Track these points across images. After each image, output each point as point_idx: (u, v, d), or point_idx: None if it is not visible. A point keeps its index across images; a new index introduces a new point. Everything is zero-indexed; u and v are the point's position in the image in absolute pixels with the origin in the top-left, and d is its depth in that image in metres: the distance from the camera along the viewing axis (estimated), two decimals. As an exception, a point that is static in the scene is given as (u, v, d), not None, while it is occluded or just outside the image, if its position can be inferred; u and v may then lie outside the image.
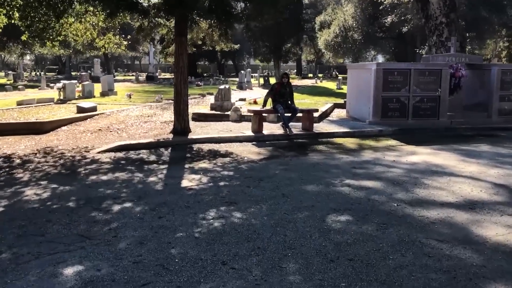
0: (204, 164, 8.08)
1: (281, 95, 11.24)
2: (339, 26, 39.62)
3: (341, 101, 19.49)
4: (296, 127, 11.65)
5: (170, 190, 6.34)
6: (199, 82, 33.16)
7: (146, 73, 45.72)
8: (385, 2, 25.98)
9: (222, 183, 6.69)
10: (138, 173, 7.38)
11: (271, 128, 11.84)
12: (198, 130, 11.42)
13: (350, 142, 10.76)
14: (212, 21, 10.50)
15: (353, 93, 14.51)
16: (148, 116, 14.41)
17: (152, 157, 8.69)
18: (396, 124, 12.71)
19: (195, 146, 9.77)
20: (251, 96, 22.67)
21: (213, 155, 8.99)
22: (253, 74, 39.29)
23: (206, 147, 9.74)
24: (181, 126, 10.63)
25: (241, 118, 13.52)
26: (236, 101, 18.33)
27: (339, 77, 33.87)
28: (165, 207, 5.50)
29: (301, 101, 19.12)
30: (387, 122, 12.81)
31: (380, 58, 55.93)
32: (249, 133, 10.98)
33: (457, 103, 13.90)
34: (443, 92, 13.04)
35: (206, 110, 14.85)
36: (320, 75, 59.59)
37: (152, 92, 26.44)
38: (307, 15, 48.73)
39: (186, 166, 7.98)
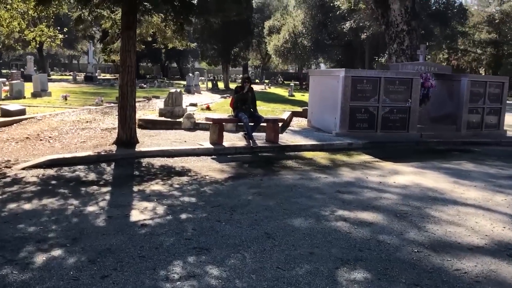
0: (157, 186, 6.56)
1: (242, 101, 9.88)
2: (288, 31, 38.94)
3: (298, 109, 18.42)
4: (259, 138, 10.33)
5: (116, 227, 4.79)
6: (143, 84, 31.17)
7: (85, 73, 42.85)
8: (342, 8, 25.34)
9: (184, 216, 5.22)
10: (73, 200, 5.75)
11: (231, 139, 10.44)
12: (146, 141, 9.82)
13: (320, 157, 9.57)
14: (167, 14, 8.97)
15: (315, 102, 13.40)
16: (87, 121, 12.58)
17: (92, 176, 7.05)
18: (365, 136, 11.71)
19: (145, 161, 8.20)
20: (201, 100, 21.16)
21: (168, 172, 7.47)
22: (201, 78, 37.65)
23: (158, 162, 8.19)
24: (126, 136, 9.01)
25: (195, 126, 12.03)
26: (187, 106, 16.77)
27: (291, 84, 32.97)
28: (110, 258, 3.97)
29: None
30: (355, 134, 11.78)
31: (323, 66, 55.94)
32: (207, 144, 9.52)
33: (424, 114, 13.11)
34: (414, 103, 12.19)
35: (154, 116, 13.21)
36: (266, 81, 58.90)
37: (91, 93, 24.25)
38: (255, 19, 47.77)
39: (135, 188, 6.42)
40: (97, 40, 58.04)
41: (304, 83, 43.84)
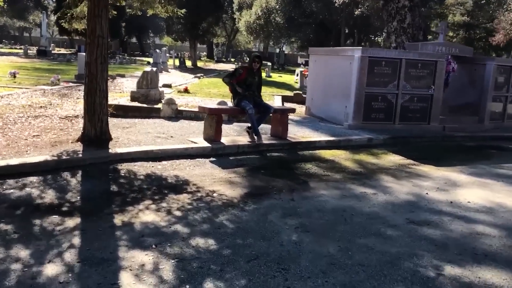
0: (149, 215, 4.42)
1: (247, 86, 7.75)
2: (261, 7, 36.53)
3: (286, 92, 16.38)
4: (262, 131, 8.27)
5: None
6: (103, 61, 28.41)
7: (37, 47, 39.09)
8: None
9: (210, 285, 3.14)
10: (20, 248, 3.56)
11: (227, 133, 8.31)
12: (121, 135, 7.56)
13: (343, 158, 7.63)
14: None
15: (318, 87, 11.39)
16: (41, 106, 10.10)
17: (50, 195, 4.81)
18: (381, 129, 9.84)
19: (123, 168, 5.98)
20: (173, 80, 18.76)
21: (158, 187, 5.33)
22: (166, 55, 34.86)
23: (141, 169, 6.00)
24: (96, 131, 6.73)
25: (177, 114, 9.80)
26: (159, 87, 14.41)
27: (268, 64, 30.76)
28: None
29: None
30: (371, 126, 9.89)
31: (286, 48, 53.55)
32: (202, 141, 7.37)
33: (443, 103, 11.36)
34: (437, 90, 10.39)
35: (125, 100, 10.85)
36: (232, 59, 56.39)
37: (45, 70, 21.34)
38: (223, -7, 45.01)
39: (117, 220, 4.26)
40: (51, 11, 53.70)
41: (281, 64, 41.77)
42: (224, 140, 7.61)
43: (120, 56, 36.49)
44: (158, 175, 5.81)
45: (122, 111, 9.77)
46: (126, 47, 59.39)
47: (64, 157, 5.91)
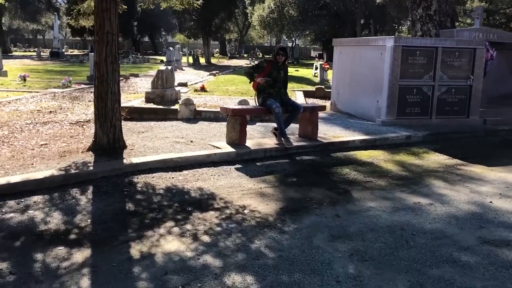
0: (172, 241, 3.71)
1: (273, 82, 7.00)
2: (274, 0, 35.67)
3: (307, 87, 15.58)
4: (289, 132, 7.53)
5: None
6: (116, 60, 27.82)
7: (50, 49, 38.77)
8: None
9: None
10: (15, 296, 2.87)
11: (250, 135, 7.56)
12: (136, 142, 6.87)
13: (382, 160, 6.85)
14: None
15: (344, 80, 10.58)
16: (50, 111, 9.48)
17: (55, 220, 4.12)
18: (417, 124, 9.04)
19: (140, 181, 5.28)
20: (188, 79, 18.08)
21: (180, 203, 4.61)
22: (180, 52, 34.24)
23: (160, 181, 5.30)
24: (108, 139, 6.05)
25: (195, 116, 9.09)
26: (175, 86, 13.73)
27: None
28: None
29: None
30: (406, 121, 9.08)
31: (288, 42, 52.14)
32: (225, 146, 6.64)
33: (481, 94, 10.45)
34: (476, 81, 9.51)
35: (139, 102, 10.17)
36: (245, 55, 55.60)
37: (57, 72, 20.82)
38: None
39: (134, 251, 3.55)
40: (63, 13, 53.45)
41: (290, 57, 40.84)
42: (249, 143, 6.87)
43: (133, 55, 35.96)
44: (179, 188, 5.10)
45: (137, 114, 9.09)
46: (139, 46, 59.04)
47: (72, 171, 5.23)
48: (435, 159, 7.07)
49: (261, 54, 57.78)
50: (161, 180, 5.32)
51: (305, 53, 62.46)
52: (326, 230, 4.06)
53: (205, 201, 4.72)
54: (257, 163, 6.35)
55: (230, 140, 6.81)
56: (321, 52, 55.42)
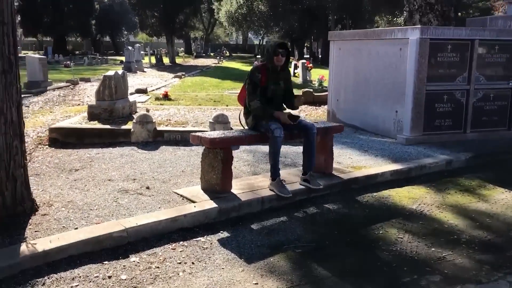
0: None
1: (269, 97, 4.64)
2: (242, -6, 33.22)
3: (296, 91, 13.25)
4: (288, 161, 5.21)
5: None
6: (68, 62, 24.44)
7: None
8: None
9: None
10: None
11: (233, 166, 5.20)
12: (61, 193, 4.38)
13: (432, 205, 4.65)
14: None
15: (346, 84, 8.34)
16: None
17: None
18: (449, 140, 6.93)
19: (47, 291, 2.84)
20: (149, 82, 15.52)
21: None
22: (141, 52, 31.44)
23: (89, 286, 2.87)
24: (4, 200, 3.57)
25: (155, 137, 6.64)
26: (131, 93, 11.21)
27: (257, 56, 27.46)
28: None
29: (236, 91, 12.51)
30: (435, 138, 6.94)
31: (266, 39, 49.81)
32: (199, 194, 4.25)
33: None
34: (520, 82, 7.43)
35: (79, 119, 7.61)
36: (212, 54, 53.01)
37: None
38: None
39: None
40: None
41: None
42: (236, 187, 4.50)
43: (90, 56, 32.87)
44: (121, 307, 2.69)
45: (75, 138, 6.58)
46: (100, 47, 55.53)
47: None
48: (504, 199, 4.88)
49: (228, 52, 55.26)
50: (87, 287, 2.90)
51: (274, 51, 60.14)
52: None
53: None
54: (253, 225, 4.00)
55: (207, 185, 4.42)
56: (290, 49, 53.34)
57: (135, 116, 7.10)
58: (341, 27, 37.92)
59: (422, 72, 6.70)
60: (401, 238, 3.86)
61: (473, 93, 7.14)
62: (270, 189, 4.51)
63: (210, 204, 4.05)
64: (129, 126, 6.85)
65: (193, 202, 4.13)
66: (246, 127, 4.84)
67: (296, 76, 18.02)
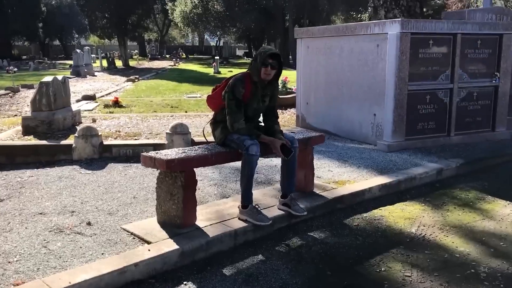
0: None
1: (253, 112, 3.80)
2: (197, -6, 32.20)
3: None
4: (262, 177, 4.40)
5: None
6: (10, 67, 22.62)
7: None
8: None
9: None
10: None
11: (197, 190, 4.32)
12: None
13: (434, 225, 3.98)
14: None
15: (317, 86, 7.59)
16: None
17: None
18: (433, 145, 6.33)
19: None
20: (99, 87, 14.35)
21: None
22: (92, 55, 29.86)
23: None
24: None
25: (102, 153, 5.66)
26: (78, 100, 10.12)
27: (216, 58, 26.38)
28: None
29: (195, 95, 11.56)
30: (418, 143, 6.31)
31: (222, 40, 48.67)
32: (155, 231, 3.35)
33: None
34: (504, 79, 6.88)
35: (12, 133, 6.51)
36: (167, 56, 51.54)
37: None
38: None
39: None
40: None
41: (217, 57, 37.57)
42: (201, 217, 3.62)
43: (37, 61, 30.95)
44: None
45: (4, 157, 5.53)
46: (48, 51, 52.96)
47: None
48: (510, 215, 4.24)
49: (184, 54, 53.94)
50: None
51: (230, 53, 59.50)
52: None
53: None
54: (225, 269, 3.14)
55: (165, 217, 3.53)
56: (246, 50, 52.67)
57: (79, 127, 6.09)
58: (298, 27, 37.54)
59: (403, 70, 6.02)
60: (409, 276, 3.11)
61: (457, 92, 6.53)
62: (241, 219, 3.66)
63: (169, 245, 3.16)
64: (70, 140, 5.84)
65: (147, 242, 3.23)
66: (208, 139, 3.97)
67: (257, 77, 17.22)
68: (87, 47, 25.39)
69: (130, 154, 5.67)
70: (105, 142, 5.80)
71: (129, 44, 50.77)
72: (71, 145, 5.65)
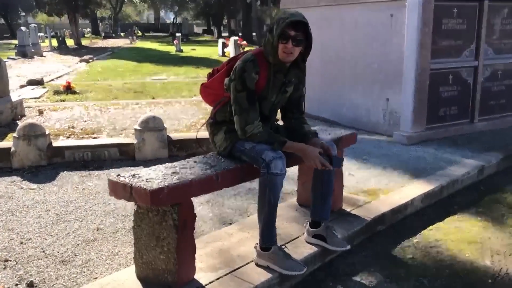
0: None
1: (270, 109, 2.60)
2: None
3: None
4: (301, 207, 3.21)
5: None
6: None
7: None
8: None
9: None
10: None
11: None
12: None
13: (501, 252, 2.94)
14: None
15: (311, 65, 6.22)
16: None
17: None
18: (456, 134, 5.29)
19: None
20: (48, 70, 12.66)
21: None
22: (40, 34, 27.50)
23: None
24: None
25: (51, 158, 4.32)
26: (22, 86, 8.59)
27: (177, 35, 24.48)
28: None
29: (160, 77, 10.14)
30: (441, 132, 5.28)
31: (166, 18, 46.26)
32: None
33: None
34: (531, 55, 5.93)
35: None
36: (122, 34, 48.91)
37: None
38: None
39: None
40: None
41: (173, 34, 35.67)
42: (201, 263, 2.42)
43: (-22, 40, 28.27)
44: None
45: None
46: (-8, 31, 49.17)
47: None
48: None
49: (140, 32, 51.36)
50: None
51: (189, 30, 57.30)
52: None
53: None
54: None
55: (147, 272, 2.31)
56: (205, 28, 50.67)
57: (20, 122, 4.71)
58: (260, 2, 36.02)
59: (425, 46, 4.94)
60: None
61: (482, 70, 5.52)
62: (260, 265, 2.49)
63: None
64: (8, 142, 4.46)
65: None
66: (205, 148, 2.75)
67: (227, 56, 15.87)
68: (33, 25, 23.15)
69: (89, 158, 4.36)
70: (55, 144, 4.45)
71: (80, 22, 47.71)
72: (9, 148, 4.28)
